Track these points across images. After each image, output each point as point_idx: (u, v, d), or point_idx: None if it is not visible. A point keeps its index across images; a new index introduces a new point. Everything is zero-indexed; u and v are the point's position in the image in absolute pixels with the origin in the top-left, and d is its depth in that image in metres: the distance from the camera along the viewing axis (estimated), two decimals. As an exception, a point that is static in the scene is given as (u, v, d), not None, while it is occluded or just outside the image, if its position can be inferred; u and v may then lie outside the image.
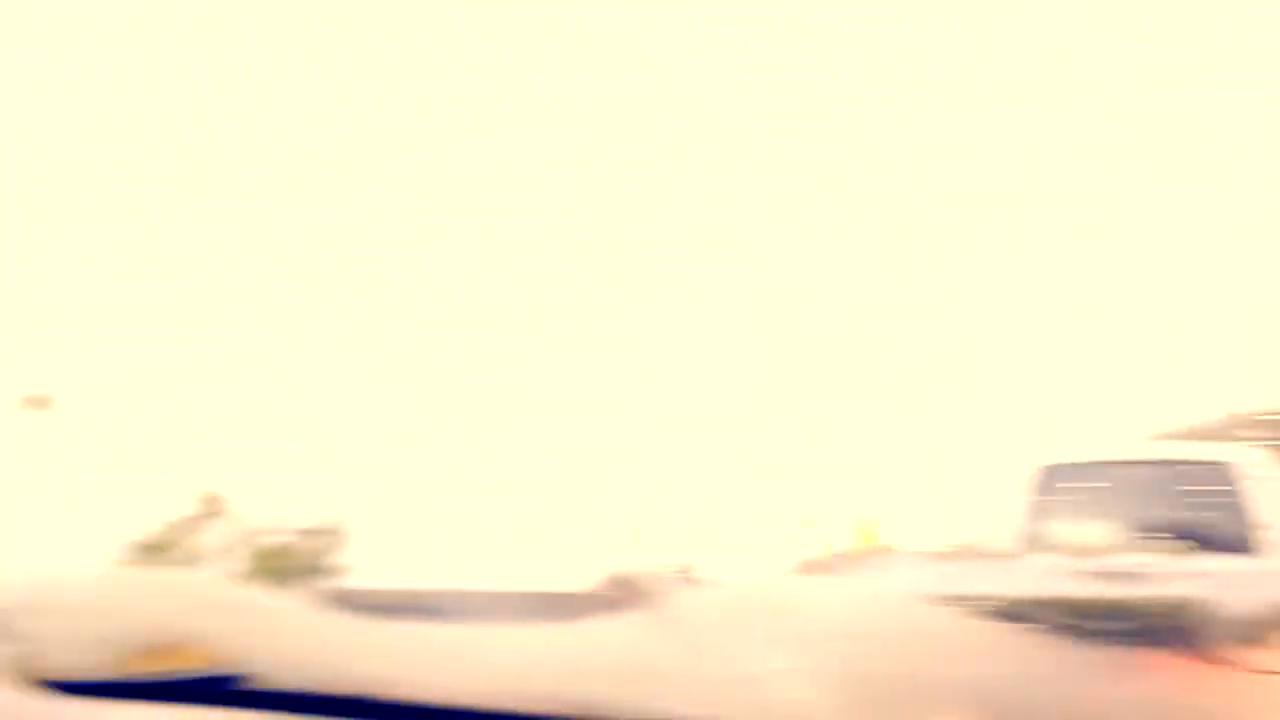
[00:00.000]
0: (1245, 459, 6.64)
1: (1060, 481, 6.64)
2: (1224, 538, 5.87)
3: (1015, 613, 3.76)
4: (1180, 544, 5.33)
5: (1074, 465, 6.86)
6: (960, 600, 3.88)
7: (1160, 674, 4.19)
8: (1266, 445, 7.11)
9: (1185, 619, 3.86)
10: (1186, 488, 6.56)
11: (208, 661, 1.72)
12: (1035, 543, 6.02)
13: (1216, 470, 6.56)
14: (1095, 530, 5.91)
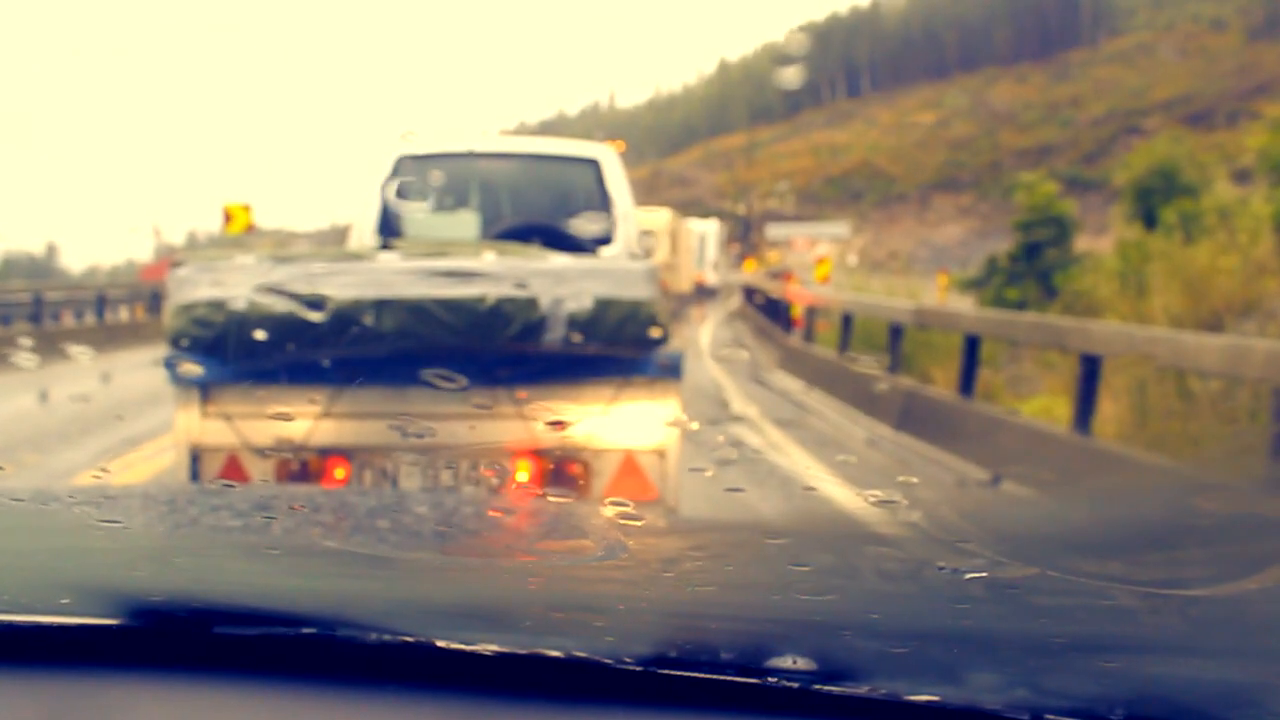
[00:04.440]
0: (605, 155, 6.66)
1: (417, 174, 6.37)
2: (585, 233, 5.85)
3: (356, 313, 3.91)
4: (538, 240, 5.21)
5: (433, 157, 6.58)
6: (300, 301, 3.90)
7: None
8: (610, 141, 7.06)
9: (527, 316, 3.95)
10: (551, 182, 6.64)
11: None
12: (387, 239, 5.85)
13: (582, 166, 6.63)
14: (449, 226, 5.85)
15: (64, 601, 0.99)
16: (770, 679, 0.91)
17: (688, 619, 1.11)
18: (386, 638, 0.95)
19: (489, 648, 0.94)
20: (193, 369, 4.12)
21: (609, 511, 1.77)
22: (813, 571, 1.33)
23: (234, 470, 4.25)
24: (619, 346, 4.14)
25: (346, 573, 1.20)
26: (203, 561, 1.20)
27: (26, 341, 18.30)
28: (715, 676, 0.92)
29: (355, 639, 0.95)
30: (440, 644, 0.94)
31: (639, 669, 0.92)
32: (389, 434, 4.26)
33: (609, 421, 4.27)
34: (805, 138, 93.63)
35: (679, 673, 0.92)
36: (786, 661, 0.92)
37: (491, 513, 1.75)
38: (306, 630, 0.95)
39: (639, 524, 1.62)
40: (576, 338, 4.02)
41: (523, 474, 4.28)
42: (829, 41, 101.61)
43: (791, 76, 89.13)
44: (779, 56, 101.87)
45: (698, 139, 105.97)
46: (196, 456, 4.29)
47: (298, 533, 1.43)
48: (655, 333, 4.15)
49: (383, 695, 0.93)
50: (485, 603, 1.11)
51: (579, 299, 4.03)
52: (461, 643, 0.94)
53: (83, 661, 0.93)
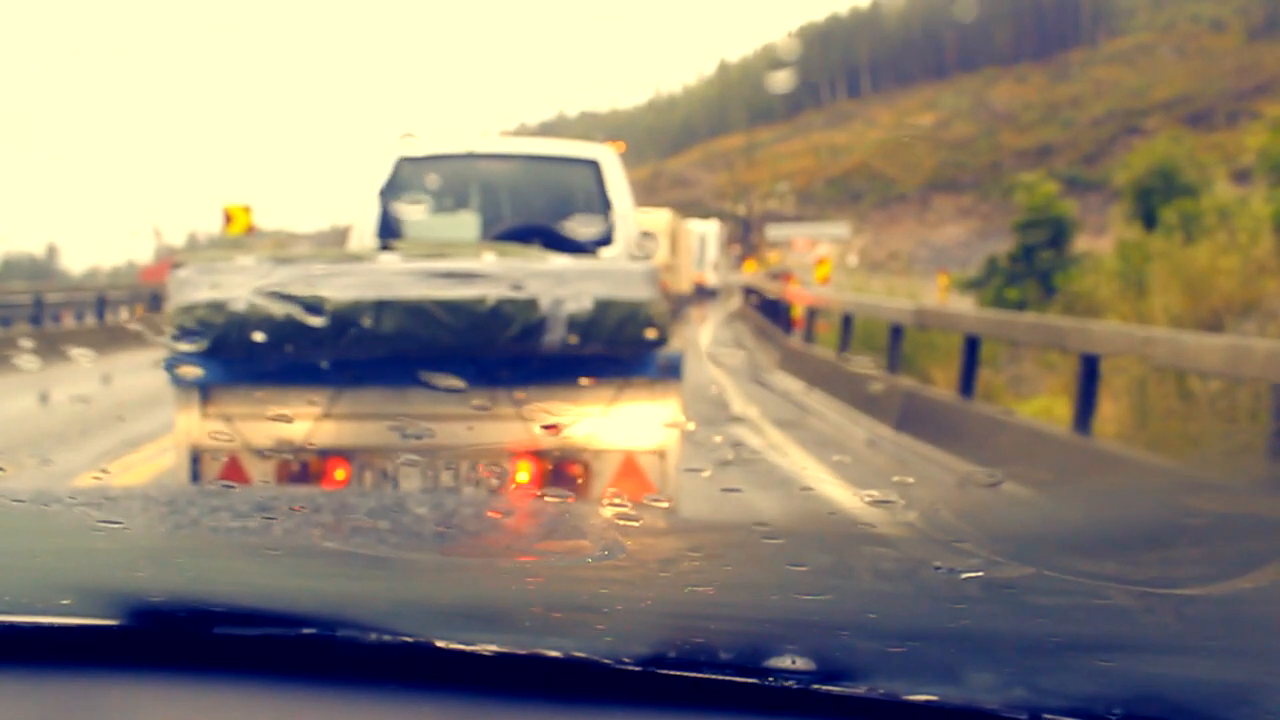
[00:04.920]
0: (605, 156, 6.68)
1: (416, 176, 6.44)
2: (585, 234, 5.85)
3: (356, 315, 3.93)
4: (537, 241, 5.23)
5: (432, 159, 6.64)
6: (300, 302, 3.92)
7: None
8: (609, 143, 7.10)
9: (527, 317, 3.98)
10: (551, 183, 6.65)
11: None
12: (387, 240, 5.87)
13: (582, 167, 6.64)
14: (449, 228, 5.90)
15: (65, 602, 0.99)
16: (769, 679, 0.92)
17: (686, 619, 1.12)
18: (386, 638, 0.95)
19: (488, 648, 0.94)
20: (193, 370, 4.13)
21: (608, 512, 1.77)
22: (810, 571, 1.33)
23: (234, 471, 4.25)
24: (619, 347, 4.14)
25: (346, 573, 1.20)
26: (203, 562, 1.21)
27: (28, 343, 18.33)
28: (714, 676, 0.93)
29: (355, 639, 0.95)
30: (440, 644, 0.95)
31: (638, 669, 0.93)
32: (389, 435, 4.26)
33: (609, 422, 4.27)
34: (805, 138, 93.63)
35: (678, 673, 0.93)
36: (785, 661, 0.92)
37: (491, 513, 1.76)
38: (307, 631, 0.95)
39: (637, 524, 1.63)
40: (576, 339, 4.02)
41: (522, 475, 4.28)
42: (829, 42, 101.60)
43: (784, 80, 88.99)
44: (773, 61, 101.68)
45: (697, 140, 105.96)
46: (197, 458, 4.29)
47: (298, 533, 1.44)
48: (655, 334, 4.15)
49: (382, 695, 0.93)
50: (485, 603, 1.12)
51: (579, 300, 4.04)
52: (461, 643, 0.95)
53: (84, 662, 0.94)
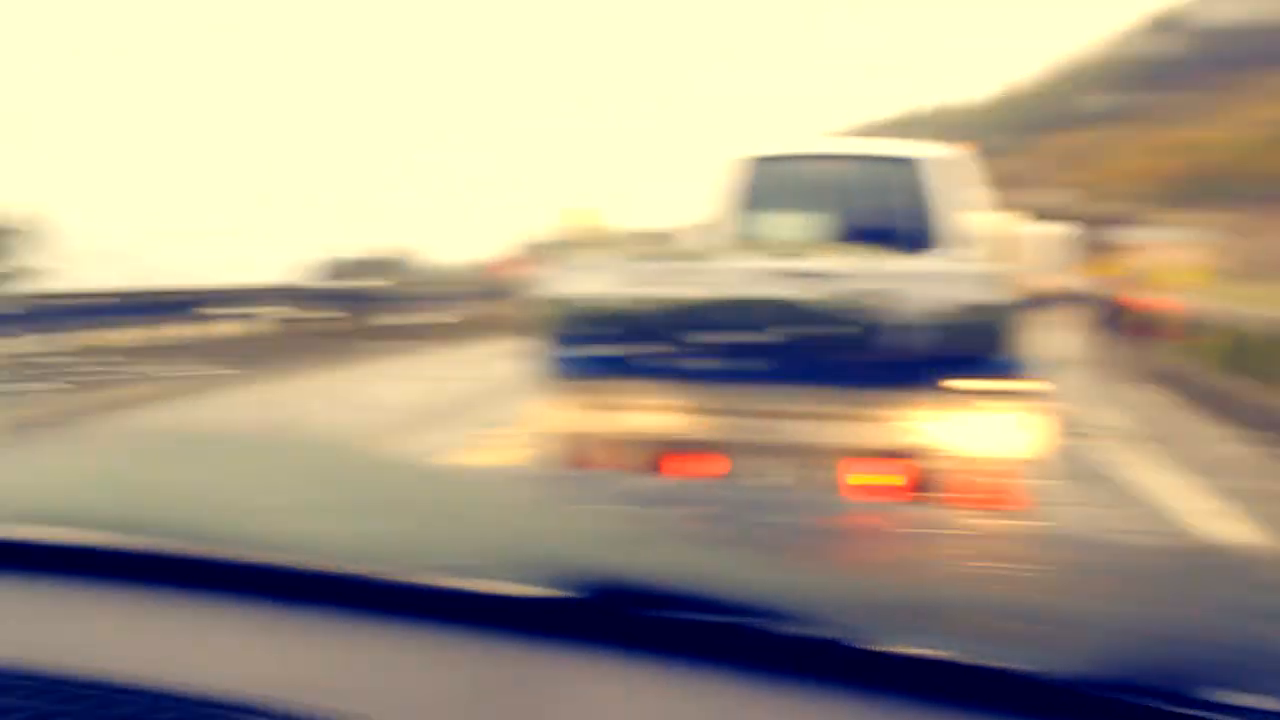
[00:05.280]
0: (935, 155, 6.59)
1: (757, 176, 6.60)
2: (914, 235, 5.87)
3: (704, 313, 4.07)
4: (873, 242, 5.12)
5: (772, 159, 6.78)
6: (651, 301, 4.14)
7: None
8: (951, 141, 7.08)
9: (872, 318, 4.03)
10: (898, 184, 6.54)
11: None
12: (730, 240, 6.05)
13: (928, 168, 6.52)
14: (790, 228, 5.99)
15: (531, 573, 1.07)
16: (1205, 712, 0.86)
17: (1109, 638, 1.06)
18: (800, 631, 0.97)
19: (912, 650, 0.94)
20: (555, 361, 4.39)
21: (997, 520, 1.72)
22: (1245, 600, 1.23)
23: (591, 460, 4.48)
24: (972, 351, 4.05)
25: (753, 564, 1.23)
26: (636, 546, 1.27)
27: (447, 318, 20.57)
28: (1145, 704, 0.88)
29: (771, 630, 0.97)
30: (854, 644, 0.95)
31: (1070, 687, 0.89)
32: (741, 430, 4.35)
33: (965, 428, 4.17)
34: (1162, 133, 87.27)
35: (1107, 695, 0.89)
36: (1235, 696, 0.86)
37: (869, 516, 1.75)
38: (729, 619, 0.98)
39: (1039, 538, 1.57)
40: (929, 341, 3.97)
41: (886, 478, 4.25)
42: (1181, 30, 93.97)
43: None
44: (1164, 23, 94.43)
45: (1044, 135, 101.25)
46: (559, 444, 4.56)
47: (697, 522, 1.49)
48: (1007, 338, 4.05)
49: (792, 688, 0.95)
50: (901, 605, 1.11)
51: (932, 302, 3.99)
52: (880, 645, 0.95)
53: (541, 630, 1.01)
